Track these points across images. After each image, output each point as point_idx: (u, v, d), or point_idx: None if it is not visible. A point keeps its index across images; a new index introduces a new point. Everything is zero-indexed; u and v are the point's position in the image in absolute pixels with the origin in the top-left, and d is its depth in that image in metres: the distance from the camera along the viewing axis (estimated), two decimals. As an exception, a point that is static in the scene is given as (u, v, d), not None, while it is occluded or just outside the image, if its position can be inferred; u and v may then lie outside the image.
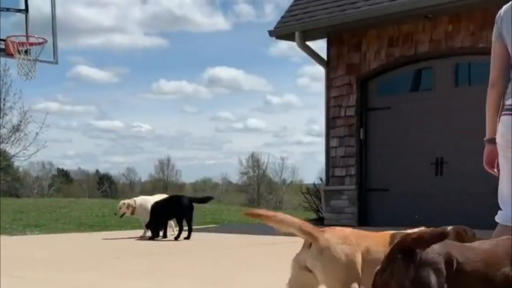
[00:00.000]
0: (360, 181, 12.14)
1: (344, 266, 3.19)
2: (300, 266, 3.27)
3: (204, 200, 10.43)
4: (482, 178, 10.37)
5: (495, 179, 10.86)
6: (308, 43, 12.66)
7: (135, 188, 60.19)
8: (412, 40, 11.41)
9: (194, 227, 9.78)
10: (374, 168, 12.06)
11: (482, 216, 10.47)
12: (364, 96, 12.16)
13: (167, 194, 10.74)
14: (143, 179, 63.10)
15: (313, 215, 13.92)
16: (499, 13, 3.91)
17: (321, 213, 13.14)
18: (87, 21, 71.77)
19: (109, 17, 77.52)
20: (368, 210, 12.13)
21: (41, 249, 8.80)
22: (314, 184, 14.74)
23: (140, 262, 7.25)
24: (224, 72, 78.16)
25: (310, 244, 3.25)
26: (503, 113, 3.80)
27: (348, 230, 3.38)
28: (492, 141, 3.90)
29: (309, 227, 3.27)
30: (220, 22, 78.61)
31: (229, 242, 9.63)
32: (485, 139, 4.00)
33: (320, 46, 13.03)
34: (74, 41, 74.84)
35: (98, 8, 79.08)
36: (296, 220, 3.30)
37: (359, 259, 3.23)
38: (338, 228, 3.40)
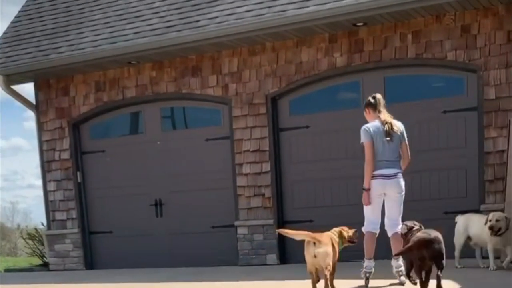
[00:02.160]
0: (82, 224, 12.08)
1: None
2: (312, 256, 6.58)
3: None
4: (199, 218, 11.08)
5: (211, 220, 11.51)
6: (16, 86, 12.25)
7: None
8: (119, 85, 11.51)
9: None
10: (96, 211, 12.06)
11: (201, 253, 11.18)
12: (77, 140, 12.06)
13: None
14: None
15: (38, 261, 13.61)
16: (367, 127, 7.29)
17: (46, 258, 12.89)
18: None
19: None
20: (94, 253, 12.13)
21: None
22: (35, 229, 14.36)
23: None
24: None
25: (314, 243, 6.60)
26: (373, 178, 7.23)
27: (326, 233, 6.96)
28: (368, 189, 7.26)
29: (311, 234, 6.71)
30: None
31: None
32: (364, 187, 7.27)
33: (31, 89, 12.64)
34: None
35: None
36: (305, 232, 6.80)
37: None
38: (324, 233, 6.90)
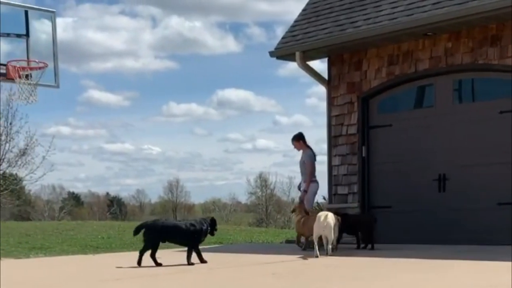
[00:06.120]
0: (363, 198, 12.12)
1: None
2: None
3: None
4: (484, 194, 10.48)
5: (497, 196, 10.80)
6: (310, 62, 12.73)
7: (145, 209, 60.36)
8: (412, 58, 11.45)
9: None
10: (376, 185, 12.06)
11: (484, 231, 10.50)
12: (365, 114, 12.18)
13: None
14: (152, 201, 63.33)
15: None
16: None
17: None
18: (98, 45, 72.76)
19: (120, 41, 78.47)
20: (372, 228, 12.07)
21: (41, 272, 8.78)
22: (317, 203, 14.71)
23: (138, 283, 7.22)
24: (233, 94, 78.68)
25: None
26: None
27: None
28: None
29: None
30: (230, 45, 79.04)
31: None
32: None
33: (322, 65, 13.09)
34: (86, 65, 75.67)
35: (109, 33, 80.00)
36: None
37: None
38: None
